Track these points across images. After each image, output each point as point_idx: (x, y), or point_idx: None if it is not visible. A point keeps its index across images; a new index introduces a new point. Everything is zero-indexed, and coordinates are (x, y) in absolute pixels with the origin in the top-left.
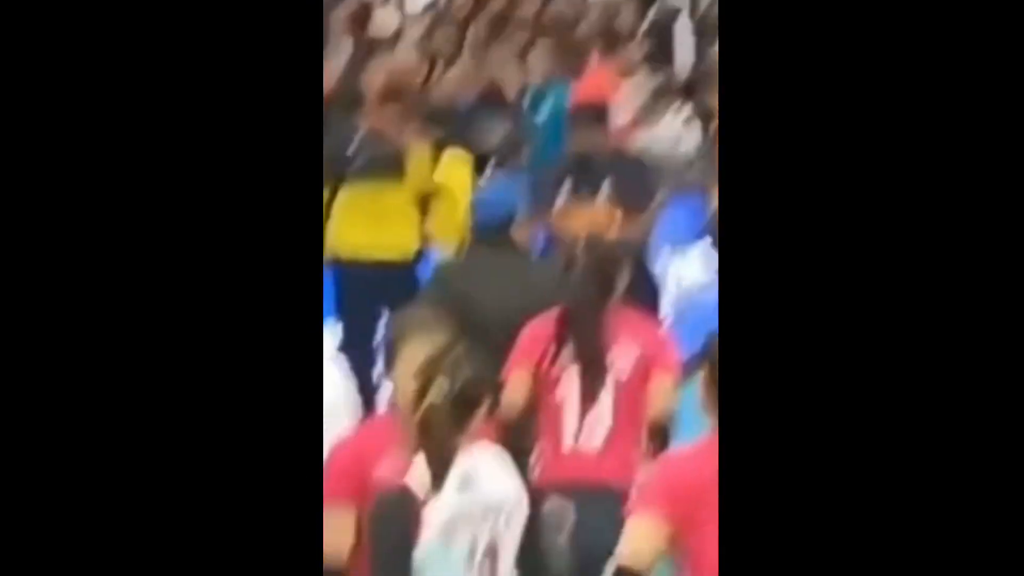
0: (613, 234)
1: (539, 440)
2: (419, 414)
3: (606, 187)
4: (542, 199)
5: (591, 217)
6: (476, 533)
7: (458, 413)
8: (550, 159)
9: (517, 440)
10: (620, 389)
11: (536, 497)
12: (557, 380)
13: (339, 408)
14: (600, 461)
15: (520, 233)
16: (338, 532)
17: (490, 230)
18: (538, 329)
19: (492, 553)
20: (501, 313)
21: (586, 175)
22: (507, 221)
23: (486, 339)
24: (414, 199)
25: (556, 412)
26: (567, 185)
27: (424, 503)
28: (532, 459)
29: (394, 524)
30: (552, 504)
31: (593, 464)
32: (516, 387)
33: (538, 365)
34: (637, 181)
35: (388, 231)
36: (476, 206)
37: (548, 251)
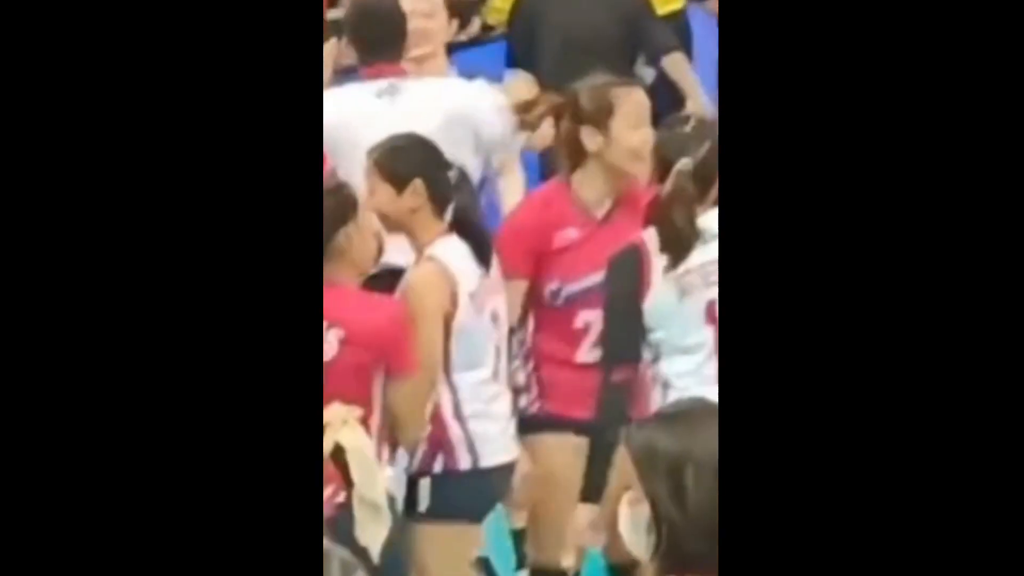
0: None
1: None
2: (666, 189)
3: None
4: None
5: None
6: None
7: (699, 186)
8: None
9: None
10: None
11: None
12: None
13: None
14: None
15: None
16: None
17: None
18: None
19: None
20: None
21: None
22: None
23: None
24: None
25: None
26: None
27: (653, 261)
28: None
29: (627, 278)
30: None
31: None
32: None
33: None
34: None
35: None
36: None
37: None
